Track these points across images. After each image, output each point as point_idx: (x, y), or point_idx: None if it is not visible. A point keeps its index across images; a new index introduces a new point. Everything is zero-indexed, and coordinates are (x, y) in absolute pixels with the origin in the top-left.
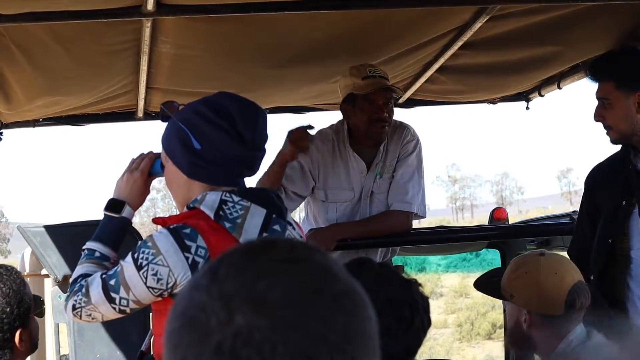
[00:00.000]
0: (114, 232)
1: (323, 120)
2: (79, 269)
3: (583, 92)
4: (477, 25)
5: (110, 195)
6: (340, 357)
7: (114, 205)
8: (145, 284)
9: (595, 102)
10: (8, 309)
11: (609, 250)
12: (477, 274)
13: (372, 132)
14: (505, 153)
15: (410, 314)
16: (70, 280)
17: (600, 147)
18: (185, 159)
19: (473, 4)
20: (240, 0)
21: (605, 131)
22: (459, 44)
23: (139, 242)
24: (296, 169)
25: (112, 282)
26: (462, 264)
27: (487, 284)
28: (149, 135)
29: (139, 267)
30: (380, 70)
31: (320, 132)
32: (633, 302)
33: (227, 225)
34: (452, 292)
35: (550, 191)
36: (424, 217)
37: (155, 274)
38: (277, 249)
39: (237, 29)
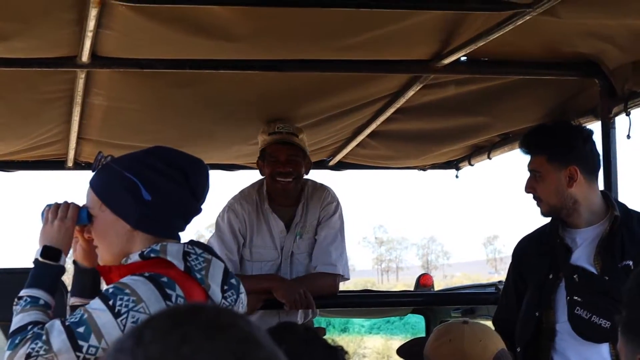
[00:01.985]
0: (53, 280)
1: (253, 178)
2: (25, 317)
3: (511, 162)
4: (410, 93)
5: (35, 243)
6: None
7: (50, 253)
8: (123, 331)
9: (526, 174)
10: None
11: (536, 322)
12: (401, 337)
13: (275, 187)
14: (432, 217)
15: None
16: (14, 328)
17: (527, 216)
18: (133, 210)
19: (405, 73)
20: (174, 56)
21: (535, 202)
22: (391, 110)
23: (110, 288)
24: (227, 233)
25: (80, 330)
26: (385, 326)
27: (409, 352)
28: (78, 185)
29: (116, 314)
30: (291, 126)
31: (243, 191)
32: None
33: (198, 276)
34: (374, 354)
35: (476, 257)
36: (348, 278)
37: (135, 322)
38: (203, 314)
39: (170, 85)
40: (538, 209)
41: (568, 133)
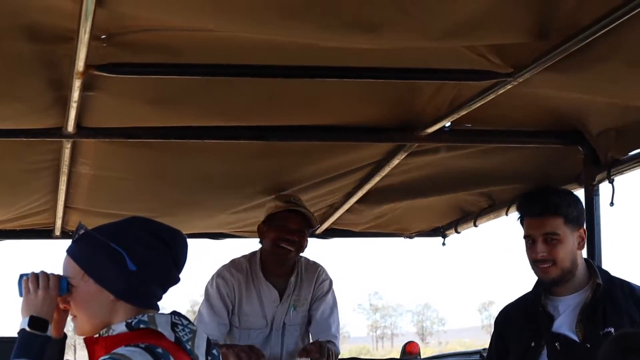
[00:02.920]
0: (40, 349)
1: (240, 246)
2: None
3: (499, 229)
4: (395, 161)
5: (16, 312)
6: None
7: (37, 323)
8: None
9: (516, 240)
10: None
11: None
12: None
13: (277, 253)
14: (427, 284)
15: None
16: None
17: (521, 281)
18: (118, 280)
19: (390, 141)
20: (160, 124)
21: (542, 267)
22: (377, 178)
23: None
24: (216, 299)
25: None
26: None
27: None
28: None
29: None
30: (302, 202)
31: (234, 261)
32: None
33: (187, 347)
34: None
35: (471, 323)
36: (339, 353)
37: None
38: None
39: (157, 155)
40: (545, 274)
41: (572, 196)
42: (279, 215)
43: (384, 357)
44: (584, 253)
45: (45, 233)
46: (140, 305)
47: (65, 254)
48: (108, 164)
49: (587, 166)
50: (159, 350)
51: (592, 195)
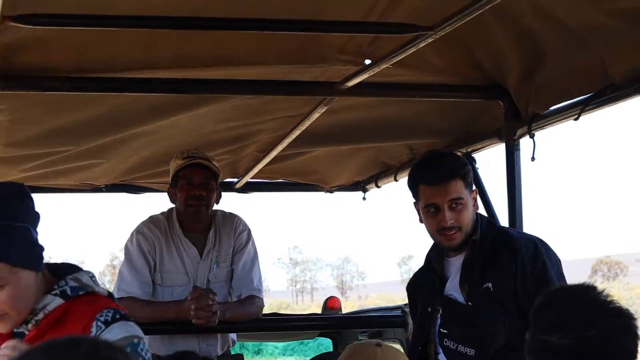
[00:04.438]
0: None
1: (159, 200)
2: None
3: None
4: (315, 115)
5: None
6: None
7: None
8: None
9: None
10: None
11: (420, 357)
12: None
13: (189, 211)
14: (347, 238)
15: None
16: None
17: None
18: (34, 255)
19: (310, 95)
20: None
21: (449, 235)
22: (297, 132)
23: (127, 347)
24: (137, 256)
25: None
26: (299, 347)
27: None
28: None
29: None
30: (204, 154)
31: (152, 217)
32: None
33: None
34: None
35: (391, 277)
36: (264, 306)
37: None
38: (81, 348)
39: (73, 101)
40: (450, 241)
41: (463, 158)
42: (182, 174)
43: (304, 312)
44: (505, 207)
45: None
46: (41, 270)
47: None
48: (24, 110)
49: (507, 120)
50: (123, 312)
51: (513, 149)
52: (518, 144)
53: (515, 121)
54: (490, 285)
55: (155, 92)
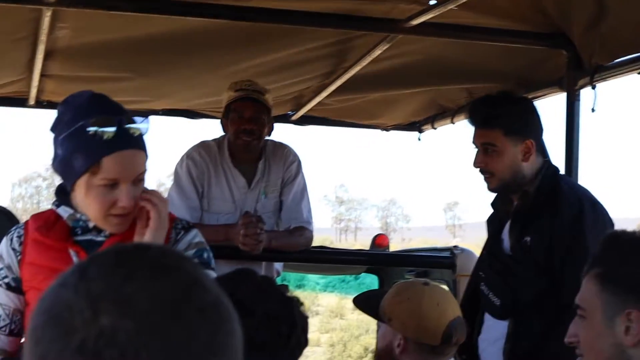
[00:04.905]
0: None
1: (215, 127)
2: None
3: (466, 128)
4: (377, 51)
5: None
6: None
7: None
8: None
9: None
10: None
11: (470, 294)
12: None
13: (238, 144)
14: (394, 180)
15: (287, 332)
16: None
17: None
18: None
19: (374, 31)
20: None
21: (484, 177)
22: (358, 67)
23: (201, 252)
24: (186, 180)
25: None
26: (340, 285)
27: (366, 303)
28: (39, 124)
29: None
30: (257, 86)
31: (203, 142)
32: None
33: None
34: (328, 312)
35: (436, 222)
36: (312, 238)
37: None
38: (148, 254)
39: (136, 21)
40: (487, 184)
41: (522, 105)
42: (233, 106)
43: (350, 249)
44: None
45: (19, 101)
46: None
47: (132, 150)
48: (87, 28)
49: (570, 70)
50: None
51: (574, 100)
52: (579, 95)
53: (577, 71)
54: (528, 239)
55: (220, 19)
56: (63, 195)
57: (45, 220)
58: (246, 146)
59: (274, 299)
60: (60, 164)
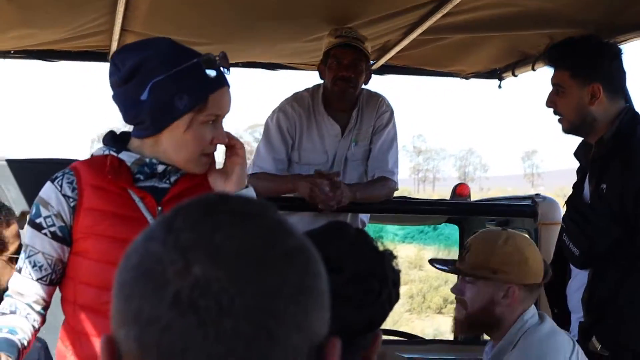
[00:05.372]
0: None
1: (296, 78)
2: None
3: (546, 76)
4: None
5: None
6: (295, 308)
7: None
8: None
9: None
10: None
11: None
12: (434, 247)
13: (335, 90)
14: (472, 129)
15: (378, 287)
16: None
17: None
18: None
19: None
20: None
21: (557, 118)
22: (438, 15)
23: None
24: (275, 133)
25: None
26: (419, 236)
27: (443, 261)
28: None
29: None
30: (358, 33)
31: (296, 94)
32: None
33: None
34: (406, 263)
35: (514, 171)
36: (397, 189)
37: None
38: (232, 203)
39: None
40: (560, 125)
41: (595, 49)
42: (333, 52)
43: (431, 199)
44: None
45: (100, 55)
46: None
47: (227, 88)
48: None
49: None
50: None
51: None
52: None
53: None
54: (604, 187)
55: None
56: (118, 142)
57: (108, 165)
58: (343, 93)
59: (366, 253)
60: (153, 109)
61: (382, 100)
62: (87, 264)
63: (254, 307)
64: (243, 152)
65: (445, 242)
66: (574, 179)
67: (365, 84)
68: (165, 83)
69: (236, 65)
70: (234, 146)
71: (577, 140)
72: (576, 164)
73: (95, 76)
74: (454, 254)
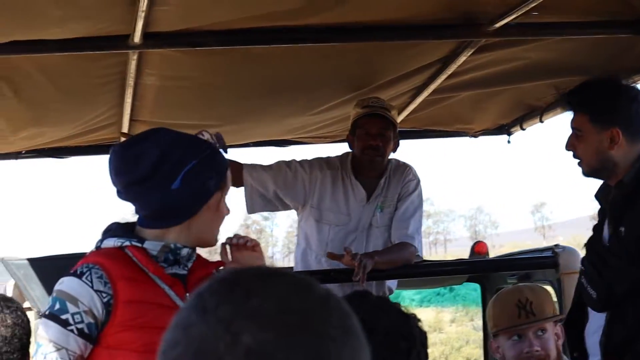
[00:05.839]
0: None
1: (305, 153)
2: None
3: (553, 127)
4: (462, 58)
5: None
6: (343, 349)
7: None
8: None
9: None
10: (14, 340)
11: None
12: (452, 309)
13: (364, 159)
14: (479, 188)
15: (406, 347)
16: None
17: (574, 181)
18: None
19: (456, 38)
20: (225, 27)
21: (576, 162)
22: (443, 77)
23: None
24: (289, 175)
25: None
26: (436, 298)
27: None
28: None
29: None
30: (384, 102)
31: (328, 158)
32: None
33: None
34: (426, 327)
35: (524, 225)
36: (422, 258)
37: None
38: (249, 271)
39: (222, 62)
40: (579, 169)
41: (613, 92)
42: (361, 122)
43: (449, 260)
44: None
45: (110, 148)
46: None
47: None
48: (174, 73)
49: None
50: None
51: None
52: None
53: None
54: (623, 230)
55: (306, 43)
56: (130, 233)
57: (137, 257)
58: (371, 162)
59: (393, 316)
60: (189, 195)
61: (409, 170)
62: (128, 356)
63: (311, 357)
64: (259, 248)
65: (462, 302)
66: (585, 227)
67: (394, 152)
68: (197, 169)
69: (247, 145)
70: (253, 244)
71: (585, 190)
72: (585, 212)
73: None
74: (472, 313)
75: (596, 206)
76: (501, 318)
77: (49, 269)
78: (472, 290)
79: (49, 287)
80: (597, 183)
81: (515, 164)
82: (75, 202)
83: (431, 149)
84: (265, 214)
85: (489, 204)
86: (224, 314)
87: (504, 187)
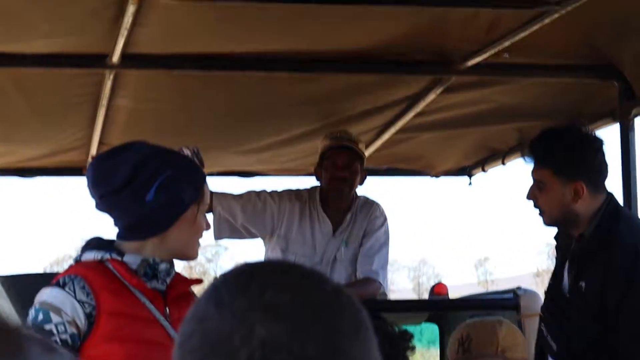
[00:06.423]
0: None
1: (270, 185)
2: None
3: (499, 177)
4: (432, 96)
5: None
6: (356, 342)
7: None
8: None
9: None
10: None
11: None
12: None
13: (332, 191)
14: (423, 239)
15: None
16: None
17: (518, 237)
18: None
19: (427, 74)
20: (202, 50)
21: (537, 212)
22: (411, 114)
23: None
24: (258, 205)
25: None
26: None
27: None
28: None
29: None
30: (352, 135)
31: (297, 190)
32: None
33: None
34: None
35: (468, 280)
36: (387, 295)
37: None
38: (262, 265)
39: (197, 86)
40: (540, 219)
41: (578, 144)
42: (328, 154)
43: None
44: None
45: (77, 171)
46: None
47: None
48: (148, 95)
49: (622, 100)
50: None
51: (628, 130)
52: (633, 124)
53: (630, 101)
54: (583, 284)
55: (279, 71)
56: (110, 247)
57: (119, 269)
58: (339, 193)
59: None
60: (162, 206)
61: (376, 207)
62: None
63: (325, 348)
64: None
65: (426, 342)
66: (529, 284)
67: (361, 184)
68: (171, 180)
69: (211, 174)
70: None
71: (528, 247)
72: (529, 269)
73: (72, 190)
74: (431, 353)
75: (540, 263)
76: (449, 352)
77: (17, 286)
78: (429, 330)
79: (16, 304)
80: (540, 237)
81: (460, 215)
82: (41, 223)
83: (383, 193)
84: (209, 255)
85: (433, 256)
86: (239, 307)
87: (448, 240)
